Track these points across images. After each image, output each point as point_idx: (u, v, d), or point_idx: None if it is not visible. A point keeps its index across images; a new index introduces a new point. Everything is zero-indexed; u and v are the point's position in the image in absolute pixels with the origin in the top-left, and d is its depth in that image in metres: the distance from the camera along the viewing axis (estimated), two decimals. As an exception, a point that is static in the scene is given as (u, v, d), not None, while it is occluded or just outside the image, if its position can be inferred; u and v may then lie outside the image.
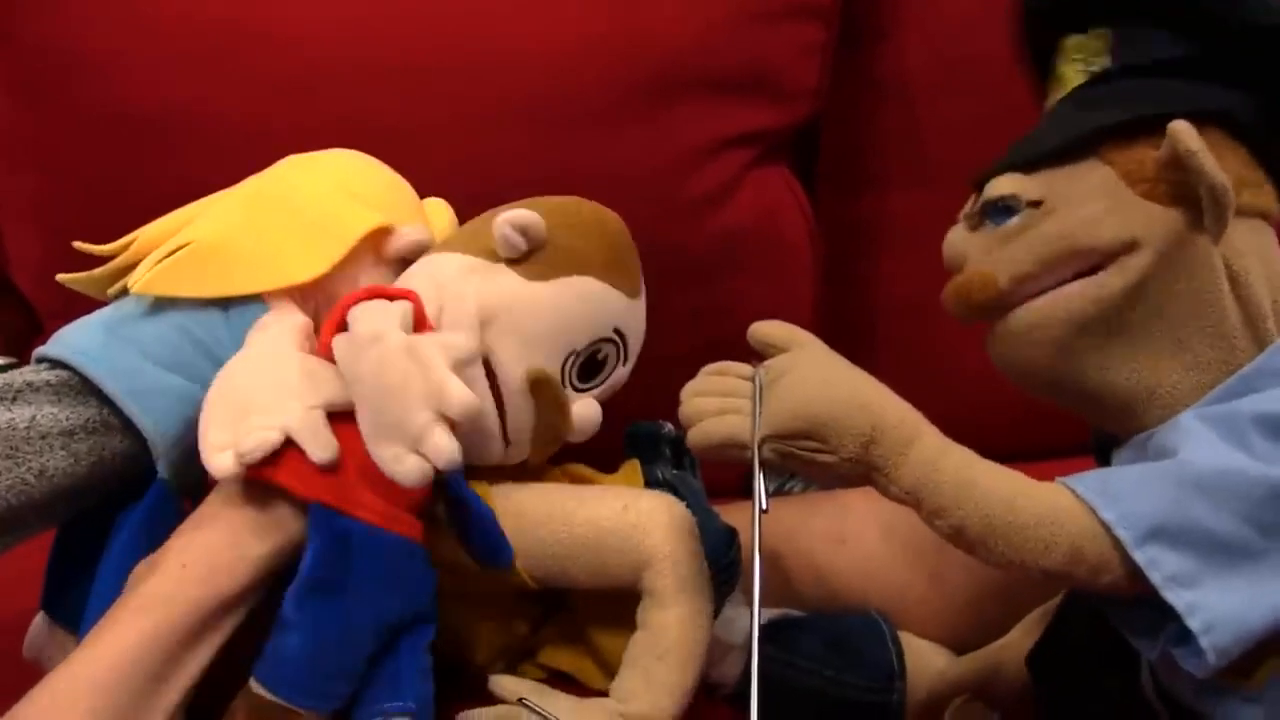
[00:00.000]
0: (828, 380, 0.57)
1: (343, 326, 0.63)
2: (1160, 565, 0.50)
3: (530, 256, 0.67)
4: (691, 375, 0.70)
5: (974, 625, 0.73)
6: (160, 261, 0.67)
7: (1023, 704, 0.67)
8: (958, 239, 0.62)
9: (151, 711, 0.57)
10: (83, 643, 0.58)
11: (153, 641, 0.57)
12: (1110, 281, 0.56)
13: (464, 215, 0.77)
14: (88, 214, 0.81)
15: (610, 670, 0.67)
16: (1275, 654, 0.52)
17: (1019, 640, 0.69)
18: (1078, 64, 0.61)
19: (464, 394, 0.58)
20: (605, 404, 0.71)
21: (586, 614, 0.70)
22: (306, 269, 0.68)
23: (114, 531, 0.64)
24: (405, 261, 0.72)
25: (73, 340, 0.65)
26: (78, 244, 0.69)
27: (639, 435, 0.77)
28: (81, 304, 0.70)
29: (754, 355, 0.62)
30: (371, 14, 0.86)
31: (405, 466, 0.59)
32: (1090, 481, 0.53)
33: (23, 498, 0.60)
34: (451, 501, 0.64)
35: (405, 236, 0.71)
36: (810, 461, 0.56)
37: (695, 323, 0.70)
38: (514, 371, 0.66)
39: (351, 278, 0.70)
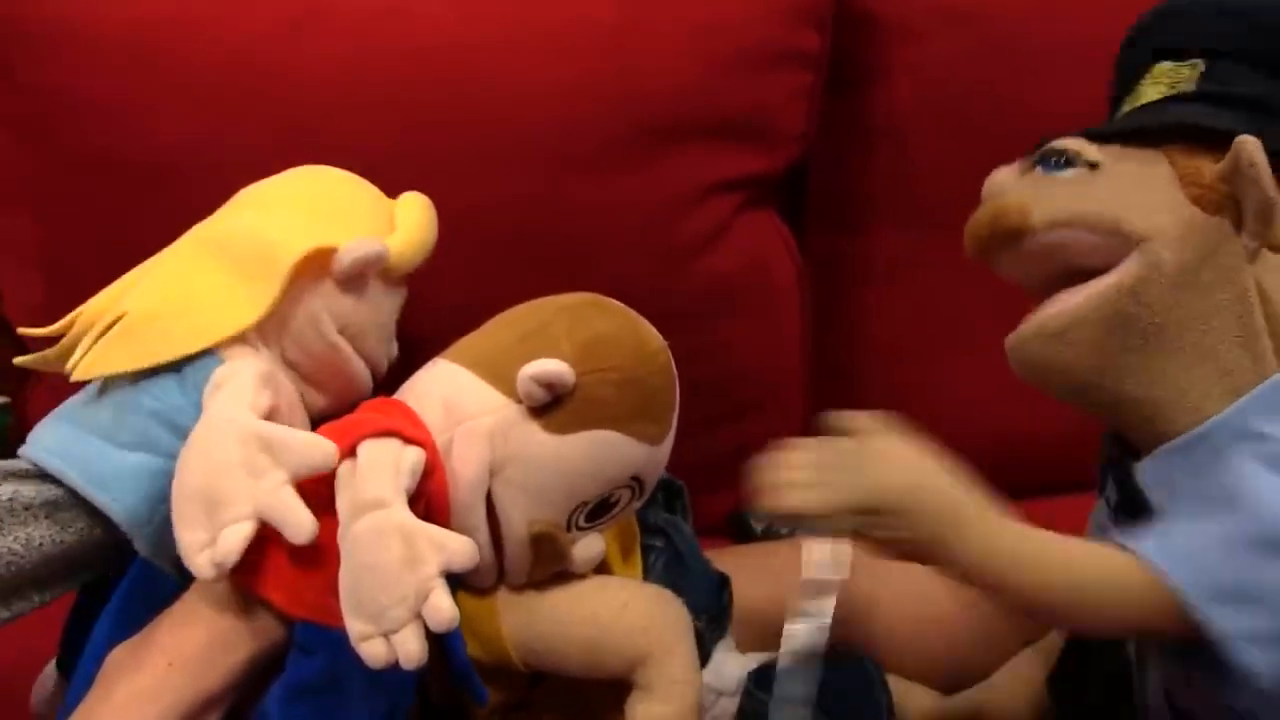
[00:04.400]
0: (903, 462, 0.58)
1: (352, 452, 0.60)
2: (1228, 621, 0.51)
3: (553, 406, 0.64)
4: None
5: (962, 669, 0.74)
6: (97, 340, 0.65)
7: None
8: (1005, 175, 0.63)
9: None
10: None
11: None
12: (1131, 269, 0.57)
13: (456, 260, 0.76)
14: (88, 256, 0.81)
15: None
16: None
17: (1004, 682, 0.69)
18: (1162, 86, 0.63)
19: (448, 610, 0.55)
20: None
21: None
22: (245, 314, 0.65)
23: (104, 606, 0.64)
24: (362, 277, 0.68)
25: (38, 438, 0.65)
26: (23, 330, 0.68)
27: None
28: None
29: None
30: (372, 56, 0.86)
31: (369, 648, 0.56)
32: (1154, 548, 0.53)
33: (13, 568, 0.61)
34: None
35: (348, 255, 0.67)
36: (885, 538, 0.57)
37: (684, 366, 0.70)
38: (517, 522, 0.65)
39: (304, 306, 0.67)
